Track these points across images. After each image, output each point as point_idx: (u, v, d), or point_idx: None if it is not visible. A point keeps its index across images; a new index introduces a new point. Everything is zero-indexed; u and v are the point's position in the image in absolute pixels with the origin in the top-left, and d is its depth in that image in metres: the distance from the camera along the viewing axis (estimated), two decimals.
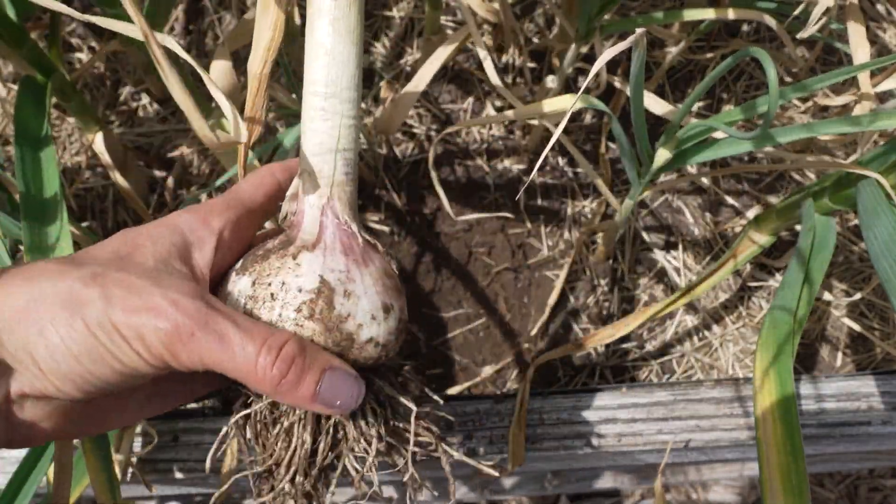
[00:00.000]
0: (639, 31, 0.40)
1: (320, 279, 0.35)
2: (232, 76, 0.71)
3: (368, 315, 0.36)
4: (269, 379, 0.31)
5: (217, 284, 0.38)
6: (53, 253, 0.52)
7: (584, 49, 0.70)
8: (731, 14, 0.61)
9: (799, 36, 0.51)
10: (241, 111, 0.46)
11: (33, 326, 0.31)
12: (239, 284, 0.36)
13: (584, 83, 0.41)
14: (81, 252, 0.35)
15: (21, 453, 0.62)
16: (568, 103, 0.56)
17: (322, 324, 0.35)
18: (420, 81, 0.64)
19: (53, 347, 0.31)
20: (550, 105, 0.56)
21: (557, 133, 0.40)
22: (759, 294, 0.80)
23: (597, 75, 0.75)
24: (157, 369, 0.32)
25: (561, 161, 0.83)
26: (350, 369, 0.34)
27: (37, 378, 0.32)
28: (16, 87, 0.68)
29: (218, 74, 0.70)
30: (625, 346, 0.79)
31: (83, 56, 0.87)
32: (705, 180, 0.83)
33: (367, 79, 0.85)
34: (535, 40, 0.85)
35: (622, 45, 0.38)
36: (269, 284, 0.35)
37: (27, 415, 0.33)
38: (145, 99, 0.85)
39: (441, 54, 0.65)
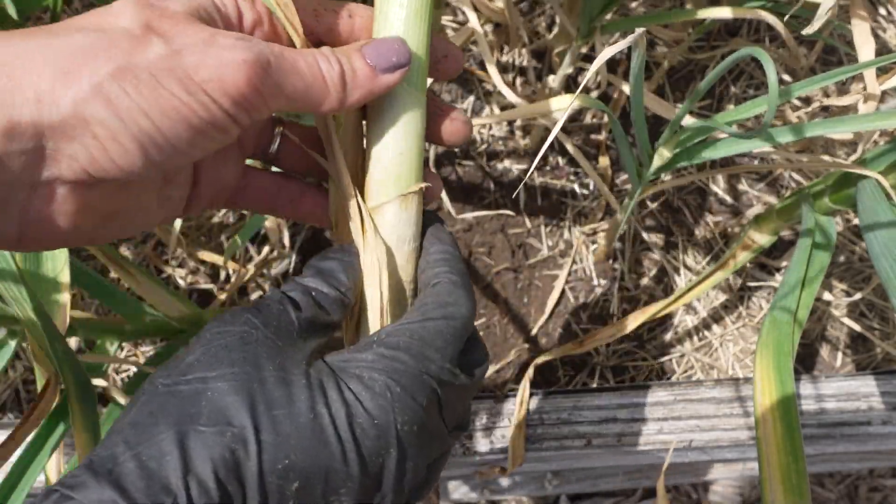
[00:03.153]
0: (638, 30, 0.40)
1: None
2: None
3: None
4: (337, 79, 0.31)
5: None
6: (53, 254, 0.52)
7: (585, 49, 0.70)
8: (731, 13, 0.61)
9: (805, 32, 0.51)
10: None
11: (88, 81, 0.27)
12: None
13: (584, 82, 0.41)
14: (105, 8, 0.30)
15: (19, 452, 0.62)
16: (568, 102, 0.56)
17: None
18: None
19: (117, 104, 0.27)
20: (551, 105, 0.56)
21: (555, 131, 0.40)
22: (760, 294, 0.80)
23: (597, 75, 0.75)
24: (239, 119, 0.29)
25: (561, 161, 0.83)
26: (380, 38, 0.33)
27: (87, 152, 0.27)
28: None
29: None
30: (625, 346, 0.79)
31: None
32: (706, 180, 0.83)
33: None
34: (536, 40, 0.85)
35: (622, 44, 0.38)
36: None
37: (52, 208, 0.29)
38: None
39: None
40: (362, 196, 0.35)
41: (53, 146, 0.27)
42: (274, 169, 0.40)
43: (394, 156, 0.34)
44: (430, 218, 0.37)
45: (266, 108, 0.30)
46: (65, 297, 0.53)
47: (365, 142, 0.35)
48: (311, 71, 0.31)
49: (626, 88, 0.76)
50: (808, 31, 0.51)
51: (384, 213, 0.34)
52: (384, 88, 0.33)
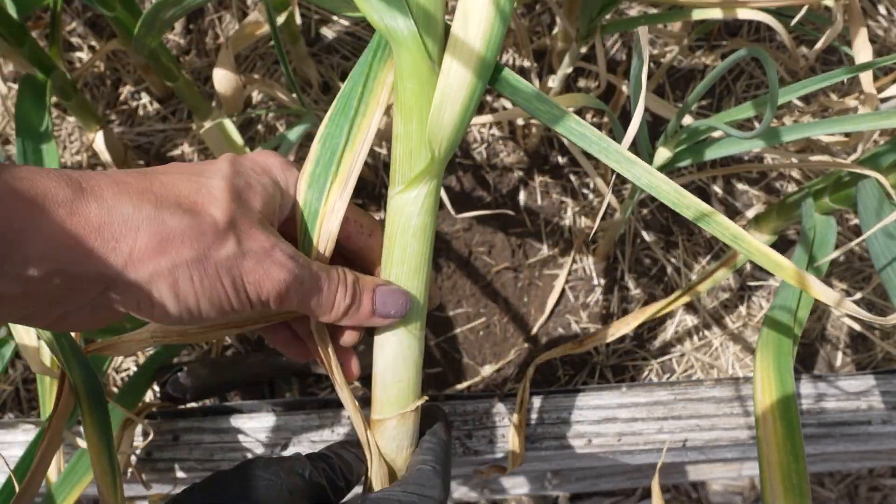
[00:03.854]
0: (642, 28, 0.40)
1: None
2: (235, 80, 0.71)
3: None
4: (342, 309, 0.38)
5: None
6: None
7: (585, 49, 0.70)
8: (731, 13, 0.61)
9: (813, 50, 0.51)
10: (241, 110, 0.46)
11: (166, 262, 0.32)
12: None
13: (585, 82, 0.41)
14: (199, 167, 0.36)
15: (18, 451, 0.62)
16: (569, 102, 0.56)
17: None
18: None
19: (181, 287, 0.32)
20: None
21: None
22: (760, 293, 0.80)
23: (596, 75, 0.75)
24: (253, 313, 0.36)
25: (561, 160, 0.83)
26: (394, 285, 0.39)
27: (137, 304, 0.32)
28: (16, 87, 0.68)
29: (220, 78, 0.70)
30: (625, 345, 0.79)
31: (83, 55, 0.87)
32: (706, 179, 0.83)
33: None
34: (536, 40, 0.85)
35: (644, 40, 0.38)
36: None
37: (93, 314, 0.34)
38: (145, 98, 0.85)
39: None
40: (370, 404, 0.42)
41: (118, 292, 0.32)
42: None
43: (393, 382, 0.40)
44: (434, 412, 0.44)
45: (279, 312, 0.37)
46: None
47: (373, 363, 0.41)
48: (328, 298, 0.37)
49: (626, 88, 0.76)
50: (817, 47, 0.51)
51: (386, 427, 0.41)
52: (371, 325, 0.39)
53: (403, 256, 0.39)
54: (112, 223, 0.31)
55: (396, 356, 0.40)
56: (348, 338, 0.41)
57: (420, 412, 0.42)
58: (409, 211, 0.38)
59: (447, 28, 0.36)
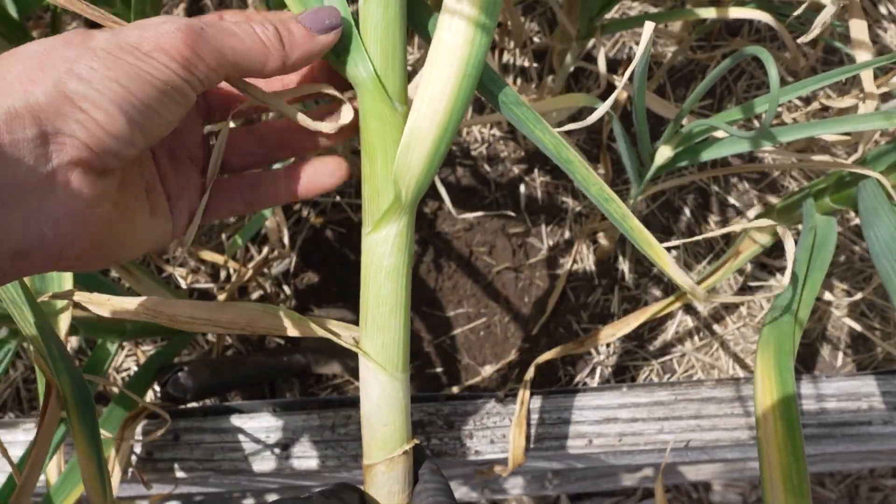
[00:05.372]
0: (648, 23, 0.40)
1: None
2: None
3: None
4: (273, 39, 0.34)
5: None
6: None
7: (585, 49, 0.70)
8: (732, 13, 0.61)
9: (801, 40, 0.51)
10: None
11: (58, 68, 0.30)
12: None
13: (586, 82, 0.41)
14: None
15: (19, 451, 0.62)
16: (569, 102, 0.56)
17: None
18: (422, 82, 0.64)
19: (90, 77, 0.30)
20: (552, 104, 0.56)
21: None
22: (760, 294, 0.80)
23: (597, 75, 0.75)
24: (188, 78, 0.33)
25: None
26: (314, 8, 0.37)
27: (82, 126, 0.30)
28: None
29: None
30: (625, 345, 0.79)
31: None
32: (706, 179, 0.83)
33: None
34: (536, 40, 0.85)
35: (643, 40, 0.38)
36: None
37: (73, 195, 0.31)
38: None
39: None
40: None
41: (52, 128, 0.29)
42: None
43: (379, 425, 0.39)
44: (421, 454, 0.42)
45: (210, 69, 0.33)
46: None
47: (360, 409, 0.40)
48: (247, 33, 0.34)
49: (620, 83, 0.76)
50: (803, 39, 0.51)
51: (376, 473, 0.40)
52: (322, 48, 0.36)
53: (378, 297, 0.38)
54: None
55: (380, 399, 0.39)
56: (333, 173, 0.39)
57: (411, 457, 0.40)
58: (379, 251, 0.38)
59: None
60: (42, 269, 0.32)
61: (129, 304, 0.44)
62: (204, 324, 0.44)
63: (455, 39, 0.35)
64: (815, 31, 0.49)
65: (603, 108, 0.39)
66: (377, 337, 0.39)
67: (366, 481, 0.40)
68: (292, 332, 0.43)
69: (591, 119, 0.39)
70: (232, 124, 0.42)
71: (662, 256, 0.40)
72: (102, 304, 0.44)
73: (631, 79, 0.51)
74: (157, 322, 0.43)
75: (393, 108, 0.36)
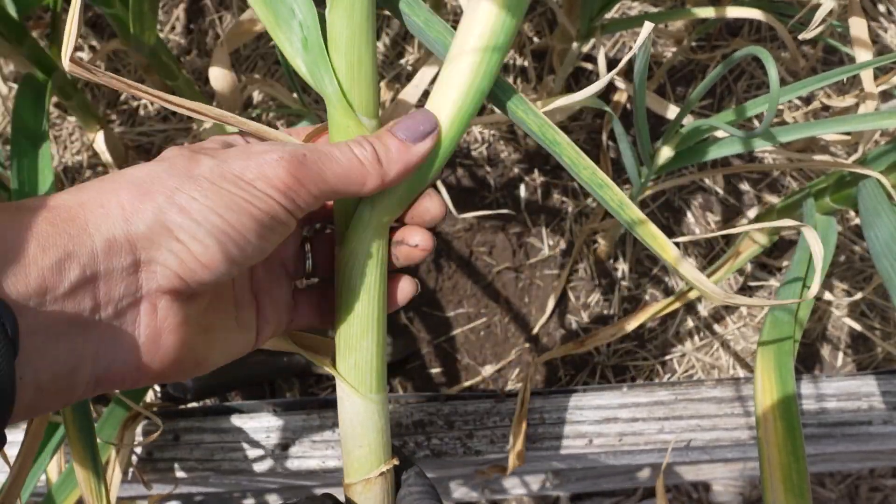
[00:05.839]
0: (647, 24, 0.40)
1: None
2: (231, 78, 0.71)
3: None
4: (371, 159, 0.34)
5: None
6: None
7: (585, 49, 0.70)
8: (732, 13, 0.61)
9: (801, 37, 0.51)
10: (241, 109, 0.46)
11: (160, 197, 0.30)
12: None
13: (586, 82, 0.41)
14: None
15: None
16: (569, 102, 0.56)
17: None
18: (421, 82, 0.64)
19: (190, 209, 0.30)
20: (552, 104, 0.56)
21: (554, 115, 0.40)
22: (760, 294, 0.80)
23: (597, 75, 0.75)
24: (290, 208, 0.33)
25: None
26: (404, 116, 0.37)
27: (176, 256, 0.30)
28: (17, 87, 0.68)
29: (217, 76, 0.70)
30: (625, 345, 0.79)
31: (84, 55, 0.87)
32: (706, 179, 0.83)
33: None
34: (536, 40, 0.85)
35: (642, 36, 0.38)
36: None
37: (158, 322, 0.31)
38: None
39: None
40: None
41: (146, 257, 0.30)
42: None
43: (354, 447, 0.39)
44: (407, 458, 0.42)
45: (313, 196, 0.34)
46: None
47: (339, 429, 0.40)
48: (346, 156, 0.34)
49: (622, 83, 0.76)
50: (804, 35, 0.51)
51: (354, 492, 0.39)
52: (420, 157, 0.36)
53: (350, 317, 0.38)
54: (88, 200, 0.30)
55: (353, 420, 0.39)
56: (403, 291, 0.39)
57: (390, 478, 0.40)
58: (349, 269, 0.37)
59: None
60: (122, 388, 0.32)
61: None
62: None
63: None
64: (813, 27, 0.49)
65: (600, 84, 0.39)
66: (349, 357, 0.38)
67: (346, 496, 0.40)
68: (277, 346, 0.43)
69: (586, 93, 0.38)
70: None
71: (666, 248, 0.39)
72: None
73: (631, 78, 0.51)
74: None
75: (359, 122, 0.36)
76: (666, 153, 0.55)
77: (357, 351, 0.38)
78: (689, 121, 0.72)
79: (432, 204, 0.39)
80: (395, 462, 0.40)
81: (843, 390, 0.65)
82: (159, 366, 0.32)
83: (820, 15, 0.48)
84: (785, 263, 0.80)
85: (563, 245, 0.81)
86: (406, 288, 0.40)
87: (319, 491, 0.78)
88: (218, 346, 0.36)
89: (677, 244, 0.80)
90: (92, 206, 0.29)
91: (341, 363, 0.39)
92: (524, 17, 0.87)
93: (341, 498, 0.40)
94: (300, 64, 0.36)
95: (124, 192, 0.30)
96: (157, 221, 0.30)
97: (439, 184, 0.74)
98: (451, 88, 0.36)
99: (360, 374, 0.38)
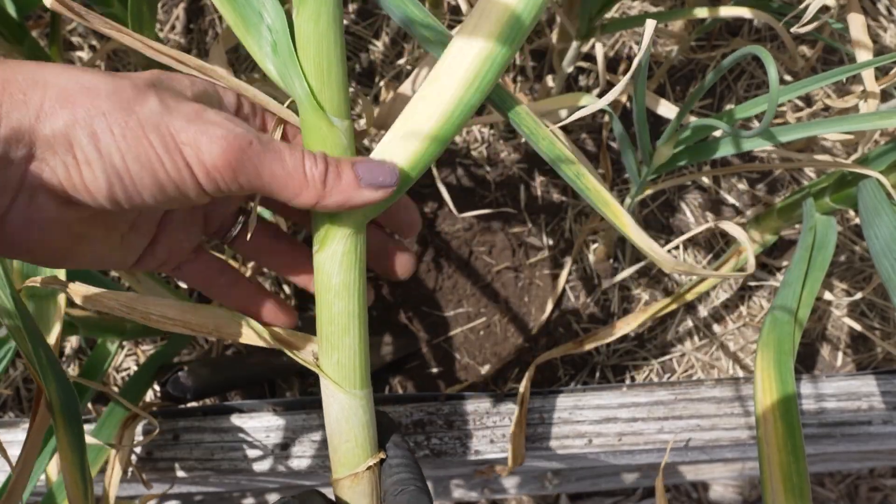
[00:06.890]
0: (649, 22, 0.40)
1: None
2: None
3: None
4: (318, 178, 0.33)
5: None
6: None
7: (585, 48, 0.69)
8: (732, 13, 0.61)
9: (793, 30, 0.51)
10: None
11: (82, 111, 0.30)
12: None
13: (585, 82, 0.41)
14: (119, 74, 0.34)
15: (19, 451, 0.62)
16: (569, 101, 0.56)
17: None
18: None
19: (100, 138, 0.30)
20: (552, 104, 0.56)
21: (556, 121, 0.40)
22: (760, 293, 0.80)
23: (596, 74, 0.75)
24: (208, 188, 0.32)
25: None
26: (375, 158, 0.36)
27: (66, 169, 0.30)
28: None
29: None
30: (625, 345, 0.79)
31: (84, 55, 0.87)
32: (706, 179, 0.82)
33: (368, 77, 0.85)
34: (536, 40, 0.85)
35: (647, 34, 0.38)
36: None
37: (33, 211, 0.31)
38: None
39: None
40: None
41: (41, 155, 0.30)
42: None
43: (340, 442, 0.40)
44: (387, 426, 0.42)
45: (238, 186, 0.32)
46: (60, 296, 0.53)
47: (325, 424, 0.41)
48: (294, 163, 0.33)
49: (627, 87, 0.76)
50: (796, 29, 0.51)
51: (342, 487, 0.40)
52: (363, 202, 0.35)
53: (330, 315, 0.38)
54: (17, 80, 0.29)
55: (339, 416, 0.39)
56: (402, 265, 0.40)
57: (377, 472, 0.40)
58: (327, 270, 0.37)
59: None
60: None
61: (106, 296, 0.44)
62: (175, 324, 0.44)
63: None
64: (806, 20, 0.49)
65: (607, 100, 0.39)
66: (332, 355, 0.39)
67: (335, 493, 0.40)
68: (255, 341, 0.43)
69: (593, 109, 0.39)
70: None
71: (620, 216, 0.40)
72: (78, 293, 0.44)
73: (631, 77, 0.51)
74: (133, 319, 0.43)
75: (330, 123, 0.36)
76: (665, 152, 0.55)
77: (339, 349, 0.38)
78: (688, 120, 0.71)
79: (407, 214, 0.40)
80: (382, 455, 0.40)
81: (843, 390, 0.65)
82: (15, 247, 0.33)
83: (813, 8, 0.48)
84: (785, 263, 0.80)
85: (562, 245, 0.81)
86: (404, 261, 0.40)
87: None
88: (90, 253, 0.36)
89: (675, 246, 0.80)
90: (15, 90, 0.29)
91: (325, 361, 0.39)
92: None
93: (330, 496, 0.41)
94: (270, 67, 0.36)
95: (52, 90, 0.30)
96: (64, 131, 0.30)
97: (439, 183, 0.74)
98: (420, 128, 0.37)
99: (344, 371, 0.39)
